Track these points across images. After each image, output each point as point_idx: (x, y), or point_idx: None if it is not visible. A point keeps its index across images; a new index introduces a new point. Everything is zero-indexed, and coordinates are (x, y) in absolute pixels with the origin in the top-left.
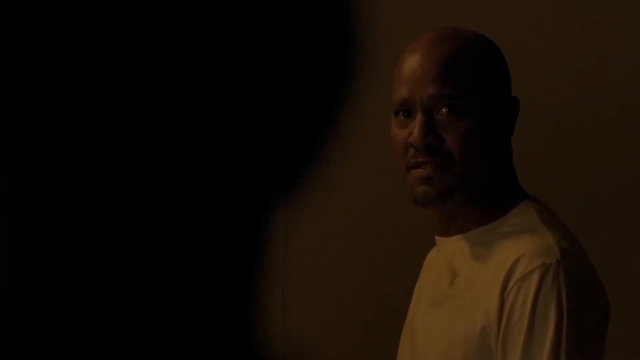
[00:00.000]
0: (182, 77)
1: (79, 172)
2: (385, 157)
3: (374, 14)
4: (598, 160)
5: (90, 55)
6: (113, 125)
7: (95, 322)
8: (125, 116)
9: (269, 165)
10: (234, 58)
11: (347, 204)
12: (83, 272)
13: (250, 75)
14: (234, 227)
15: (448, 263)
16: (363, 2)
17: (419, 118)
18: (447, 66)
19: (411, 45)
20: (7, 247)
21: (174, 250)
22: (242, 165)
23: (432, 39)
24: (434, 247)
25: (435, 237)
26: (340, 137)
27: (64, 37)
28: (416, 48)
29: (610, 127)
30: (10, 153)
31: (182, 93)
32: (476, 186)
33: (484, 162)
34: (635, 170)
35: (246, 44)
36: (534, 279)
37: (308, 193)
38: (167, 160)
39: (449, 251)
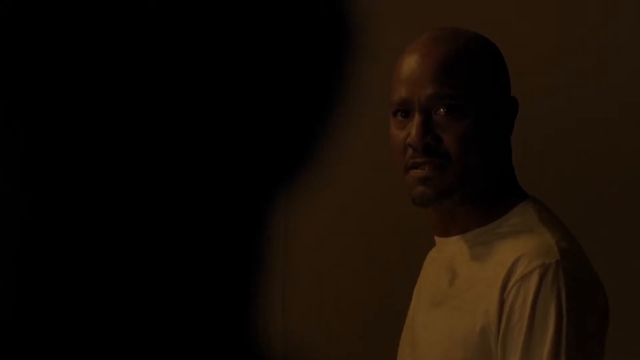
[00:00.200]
0: (181, 77)
1: (78, 172)
2: (385, 157)
3: (372, 14)
4: (598, 160)
5: (89, 55)
6: (113, 125)
7: (95, 322)
8: (125, 116)
9: (269, 165)
10: (233, 58)
11: (347, 204)
12: (83, 272)
13: (249, 76)
14: (234, 227)
15: (448, 263)
16: (361, 2)
17: (416, 118)
18: (446, 66)
19: (410, 45)
20: (7, 247)
21: (174, 250)
22: (242, 165)
23: (431, 39)
24: (434, 247)
25: (435, 237)
26: (340, 138)
27: (63, 37)
28: (415, 48)
29: (610, 127)
30: (10, 153)
31: (180, 93)
32: (475, 186)
33: (482, 162)
34: (635, 170)
35: (246, 42)
36: (534, 279)
37: (308, 193)
38: (167, 161)
39: (449, 251)
